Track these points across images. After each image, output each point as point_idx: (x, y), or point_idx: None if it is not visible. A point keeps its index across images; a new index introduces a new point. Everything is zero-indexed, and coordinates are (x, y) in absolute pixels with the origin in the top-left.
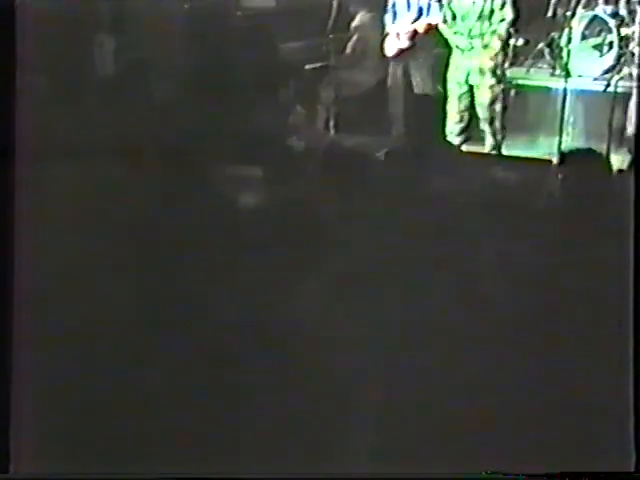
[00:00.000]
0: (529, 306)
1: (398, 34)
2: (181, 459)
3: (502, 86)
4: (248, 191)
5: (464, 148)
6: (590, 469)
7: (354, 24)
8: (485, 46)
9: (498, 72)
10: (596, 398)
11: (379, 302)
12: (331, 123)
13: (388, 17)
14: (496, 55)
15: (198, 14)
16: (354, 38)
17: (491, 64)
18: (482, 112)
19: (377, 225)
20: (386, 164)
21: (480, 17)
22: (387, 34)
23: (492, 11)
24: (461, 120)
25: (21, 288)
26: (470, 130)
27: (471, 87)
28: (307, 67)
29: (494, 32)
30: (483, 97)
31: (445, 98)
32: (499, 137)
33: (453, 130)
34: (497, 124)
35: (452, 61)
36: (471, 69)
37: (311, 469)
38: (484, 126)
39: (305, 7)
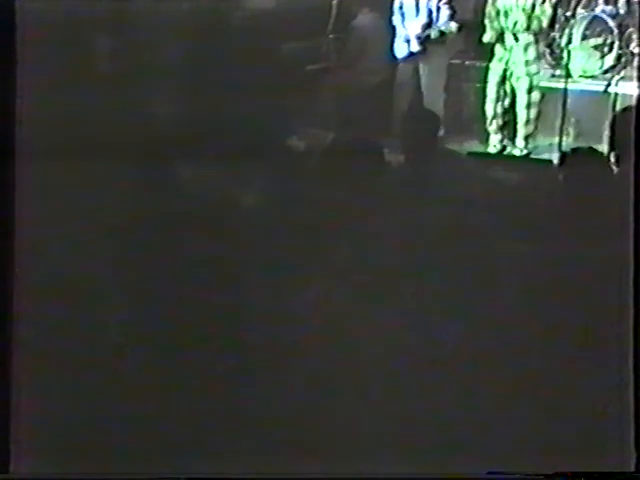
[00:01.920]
0: (528, 306)
1: (408, 37)
2: (181, 459)
3: (537, 78)
4: (248, 191)
5: (468, 148)
6: (590, 469)
7: (355, 24)
8: (527, 43)
9: (537, 64)
10: (596, 398)
11: (381, 302)
12: (332, 124)
13: (397, 19)
14: (535, 51)
15: (197, 14)
16: (355, 38)
17: (532, 57)
18: (521, 102)
19: (378, 226)
20: (388, 165)
21: (523, 12)
22: (397, 36)
23: (533, 7)
24: (497, 110)
25: (21, 288)
26: (509, 127)
27: (510, 79)
28: (308, 68)
29: (537, 28)
30: (523, 88)
31: (484, 93)
32: (531, 126)
33: (492, 125)
34: (532, 113)
35: (496, 54)
36: (515, 62)
37: (312, 469)
38: (520, 115)
39: (305, 7)
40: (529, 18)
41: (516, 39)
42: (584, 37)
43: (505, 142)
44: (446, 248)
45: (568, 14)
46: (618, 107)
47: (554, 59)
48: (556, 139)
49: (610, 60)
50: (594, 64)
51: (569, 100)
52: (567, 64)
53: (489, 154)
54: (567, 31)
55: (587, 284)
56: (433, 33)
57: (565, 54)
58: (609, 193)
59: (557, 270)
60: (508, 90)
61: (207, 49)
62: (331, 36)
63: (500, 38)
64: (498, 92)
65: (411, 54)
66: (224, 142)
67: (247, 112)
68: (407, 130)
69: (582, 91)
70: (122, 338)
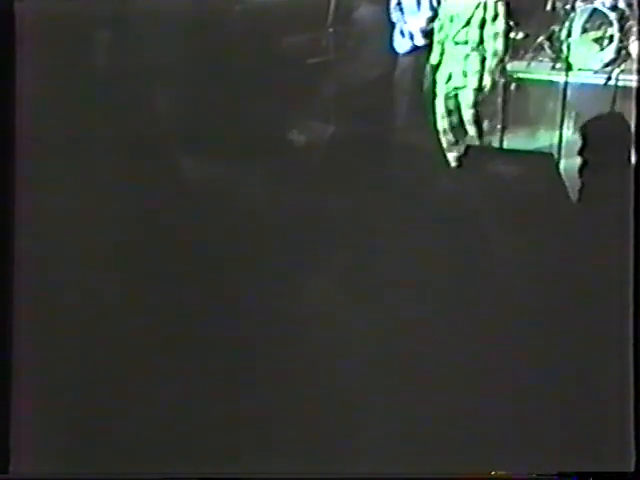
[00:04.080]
0: (528, 306)
1: (411, 32)
2: (182, 459)
3: (486, 91)
4: (248, 185)
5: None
6: (590, 469)
7: (356, 18)
8: (472, 51)
9: (485, 75)
10: (596, 398)
11: (383, 300)
12: (332, 117)
13: (396, 15)
14: (483, 61)
15: (197, 9)
16: (356, 32)
17: (477, 68)
18: (467, 113)
19: (380, 221)
20: (388, 159)
21: (469, 24)
22: (397, 31)
23: (484, 21)
24: (448, 118)
25: (21, 287)
26: (456, 129)
27: (456, 88)
28: (309, 61)
29: (483, 41)
30: (468, 99)
31: (433, 98)
32: (496, 133)
33: (441, 128)
34: (488, 122)
35: (442, 61)
36: (456, 71)
37: (312, 469)
38: (469, 127)
39: (305, 0)
40: (471, 29)
41: (456, 49)
42: (584, 30)
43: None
44: (448, 243)
45: (568, 7)
46: (618, 100)
47: (554, 52)
48: (556, 132)
49: (610, 53)
50: (594, 57)
51: (569, 93)
52: (567, 57)
53: (489, 148)
54: (567, 24)
55: (586, 283)
56: (432, 26)
57: (565, 47)
58: (608, 187)
59: (556, 269)
60: (453, 103)
61: (206, 43)
62: (331, 29)
63: (446, 46)
64: (446, 103)
65: (415, 48)
66: (224, 136)
67: (247, 106)
68: (411, 124)
69: (582, 84)
70: (123, 337)
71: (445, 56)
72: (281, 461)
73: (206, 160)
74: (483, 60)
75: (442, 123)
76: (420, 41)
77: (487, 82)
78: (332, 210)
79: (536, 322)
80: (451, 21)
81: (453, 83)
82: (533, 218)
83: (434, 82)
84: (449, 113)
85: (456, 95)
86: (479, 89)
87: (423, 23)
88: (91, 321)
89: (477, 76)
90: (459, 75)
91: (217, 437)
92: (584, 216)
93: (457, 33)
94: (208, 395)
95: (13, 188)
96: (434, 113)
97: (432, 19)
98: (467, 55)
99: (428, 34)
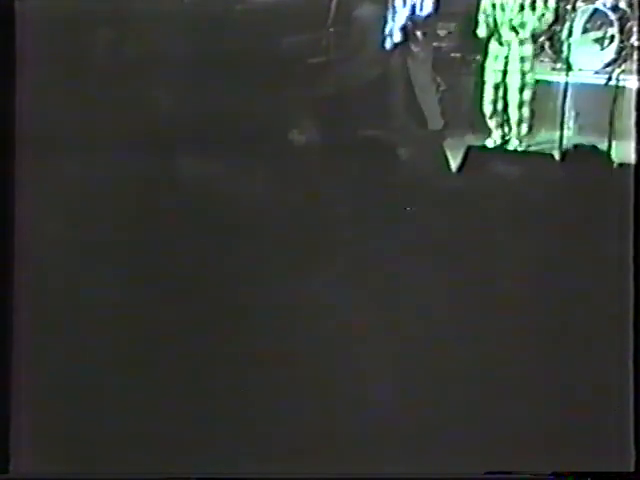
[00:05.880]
0: (528, 305)
1: (392, 29)
2: (182, 459)
3: (531, 75)
4: (248, 184)
5: (467, 142)
6: (590, 469)
7: (355, 17)
8: (524, 37)
9: (531, 61)
10: (596, 398)
11: (384, 300)
12: (332, 117)
13: (389, 13)
14: (534, 45)
15: (198, 8)
16: (355, 32)
17: (528, 53)
18: (513, 99)
19: (380, 220)
20: (388, 157)
21: (522, 8)
22: (386, 29)
23: (534, 2)
24: (495, 106)
25: (21, 287)
26: (503, 116)
27: (506, 75)
28: (309, 61)
29: (534, 24)
30: (515, 85)
31: (482, 85)
32: (525, 125)
33: (488, 115)
34: (524, 112)
35: (491, 50)
36: (510, 58)
37: (313, 469)
38: (513, 113)
39: (306, 1)
40: (527, 13)
41: (512, 35)
42: (585, 30)
43: (505, 137)
44: (448, 242)
45: (568, 7)
46: (618, 100)
47: (554, 52)
48: (557, 133)
49: (611, 53)
50: (595, 57)
51: (570, 93)
52: (568, 57)
53: (489, 148)
54: (568, 24)
55: (587, 282)
56: (410, 24)
57: (565, 47)
58: (609, 187)
59: (556, 267)
60: (503, 87)
61: (208, 42)
62: (331, 29)
63: (495, 33)
64: (495, 89)
65: (395, 46)
66: (224, 135)
67: (247, 106)
68: (397, 122)
69: (583, 84)
70: (124, 337)
71: (498, 44)
72: (281, 461)
73: (206, 159)
74: (536, 41)
75: (489, 107)
76: (398, 38)
77: (530, 69)
78: (332, 209)
79: (537, 323)
80: (502, 9)
81: (505, 67)
82: (533, 217)
83: (482, 69)
84: (496, 100)
85: (505, 80)
86: (530, 72)
87: (403, 21)
88: (91, 321)
89: (531, 60)
90: (515, 59)
91: (217, 437)
92: (584, 214)
93: (511, 19)
94: (209, 396)
95: (13, 188)
96: (482, 98)
97: (411, 16)
98: (522, 40)
99: (406, 31)
